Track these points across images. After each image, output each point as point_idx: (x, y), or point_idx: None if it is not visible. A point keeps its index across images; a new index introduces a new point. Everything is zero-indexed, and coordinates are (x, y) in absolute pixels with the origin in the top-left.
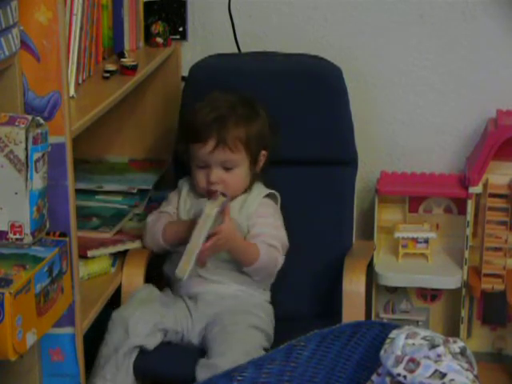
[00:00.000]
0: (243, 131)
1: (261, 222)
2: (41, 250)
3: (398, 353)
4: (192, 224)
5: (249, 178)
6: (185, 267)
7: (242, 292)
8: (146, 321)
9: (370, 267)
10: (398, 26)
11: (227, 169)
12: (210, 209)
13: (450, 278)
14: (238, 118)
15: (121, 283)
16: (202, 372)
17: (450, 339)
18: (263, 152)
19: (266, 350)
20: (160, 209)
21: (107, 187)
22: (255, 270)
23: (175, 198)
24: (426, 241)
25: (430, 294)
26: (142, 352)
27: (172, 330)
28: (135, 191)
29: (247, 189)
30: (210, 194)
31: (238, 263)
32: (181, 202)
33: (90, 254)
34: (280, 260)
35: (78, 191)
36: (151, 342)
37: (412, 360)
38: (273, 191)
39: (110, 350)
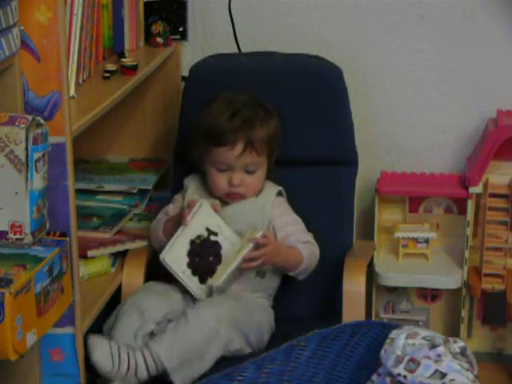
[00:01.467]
0: (265, 132)
1: (281, 222)
2: (41, 249)
3: (399, 353)
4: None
5: (265, 178)
6: (219, 275)
7: (245, 295)
8: (158, 308)
9: (370, 267)
10: (398, 26)
11: (249, 172)
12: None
13: (450, 278)
14: (261, 120)
15: (121, 283)
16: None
17: (451, 339)
18: (276, 152)
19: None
20: (164, 209)
21: (107, 187)
22: (301, 272)
23: (180, 198)
24: (426, 241)
25: (430, 294)
26: None
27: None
28: (135, 191)
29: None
30: (229, 197)
31: (285, 270)
32: (186, 201)
33: (90, 254)
34: (317, 252)
35: (78, 191)
36: (160, 332)
37: (412, 360)
38: (280, 188)
39: (124, 335)
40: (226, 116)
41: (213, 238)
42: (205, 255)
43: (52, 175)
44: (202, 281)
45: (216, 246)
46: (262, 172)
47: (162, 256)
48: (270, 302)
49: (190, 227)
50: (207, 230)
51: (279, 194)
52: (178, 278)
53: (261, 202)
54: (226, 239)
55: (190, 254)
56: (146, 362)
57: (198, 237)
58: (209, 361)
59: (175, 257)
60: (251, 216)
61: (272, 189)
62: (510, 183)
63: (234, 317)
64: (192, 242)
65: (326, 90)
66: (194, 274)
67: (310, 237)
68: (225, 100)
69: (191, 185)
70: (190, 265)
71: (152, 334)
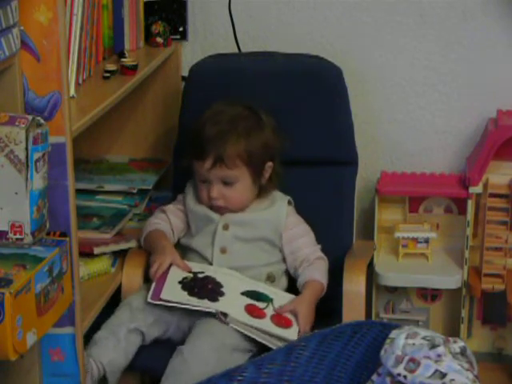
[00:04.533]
0: (243, 148)
1: (291, 235)
2: (41, 249)
3: (399, 353)
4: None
5: (254, 190)
6: (237, 323)
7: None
8: (150, 310)
9: (370, 267)
10: (398, 26)
11: (227, 184)
12: (291, 333)
13: (450, 278)
14: (238, 135)
15: (121, 283)
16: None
17: (451, 339)
18: (269, 163)
19: (249, 351)
20: (162, 208)
21: (107, 187)
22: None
23: (182, 199)
24: (426, 241)
25: (430, 294)
26: (141, 347)
27: (175, 325)
28: (135, 191)
29: (263, 200)
30: (214, 209)
31: None
32: (188, 203)
33: (96, 250)
34: (327, 265)
35: (78, 191)
36: (151, 333)
37: (412, 360)
38: (289, 197)
39: (112, 326)
40: (203, 129)
41: (200, 275)
42: (202, 286)
43: (52, 175)
44: (213, 300)
45: (208, 278)
46: (244, 184)
47: (150, 299)
48: None
49: (173, 273)
50: (190, 272)
51: (289, 203)
52: (187, 306)
53: (274, 213)
54: (217, 272)
55: (186, 288)
56: None
57: (185, 277)
58: None
59: (172, 292)
60: (263, 226)
61: (282, 199)
62: (510, 183)
63: (233, 340)
64: (181, 282)
65: (325, 90)
66: (200, 298)
67: (318, 249)
68: (214, 110)
69: (189, 190)
70: (191, 295)
71: (138, 332)
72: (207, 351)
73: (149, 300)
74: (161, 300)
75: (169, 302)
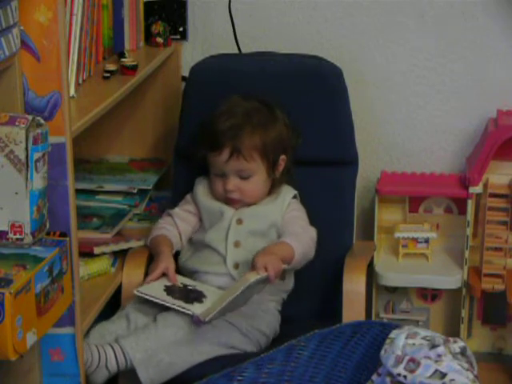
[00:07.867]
0: (258, 140)
1: (289, 216)
2: (41, 249)
3: (399, 353)
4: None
5: (268, 183)
6: (209, 311)
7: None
8: (146, 312)
9: (370, 267)
10: (398, 26)
11: (243, 177)
12: (251, 276)
13: (450, 278)
14: (253, 127)
15: (121, 283)
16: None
17: (451, 339)
18: (282, 157)
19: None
20: (169, 212)
21: (107, 187)
22: (294, 265)
23: (190, 199)
24: (427, 241)
25: (430, 294)
26: None
27: None
28: (135, 191)
29: (274, 193)
30: (229, 202)
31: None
32: (200, 200)
33: (96, 250)
34: (314, 234)
35: (78, 191)
36: None
37: (412, 360)
38: (296, 192)
39: (104, 331)
40: (219, 121)
41: (190, 287)
42: (185, 294)
43: (52, 175)
44: (188, 303)
45: (196, 290)
46: (259, 177)
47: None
48: (279, 306)
49: (165, 279)
50: (182, 284)
51: (294, 197)
52: (158, 301)
53: (279, 204)
54: (205, 289)
55: (167, 290)
56: (115, 354)
57: (173, 285)
58: (182, 362)
59: (151, 288)
60: (272, 215)
61: (289, 191)
62: (510, 183)
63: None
64: (166, 286)
65: (325, 90)
66: (175, 299)
67: (311, 228)
68: (228, 105)
69: (199, 186)
70: (169, 295)
71: None
72: (180, 321)
73: (134, 291)
74: (138, 292)
75: (145, 295)
